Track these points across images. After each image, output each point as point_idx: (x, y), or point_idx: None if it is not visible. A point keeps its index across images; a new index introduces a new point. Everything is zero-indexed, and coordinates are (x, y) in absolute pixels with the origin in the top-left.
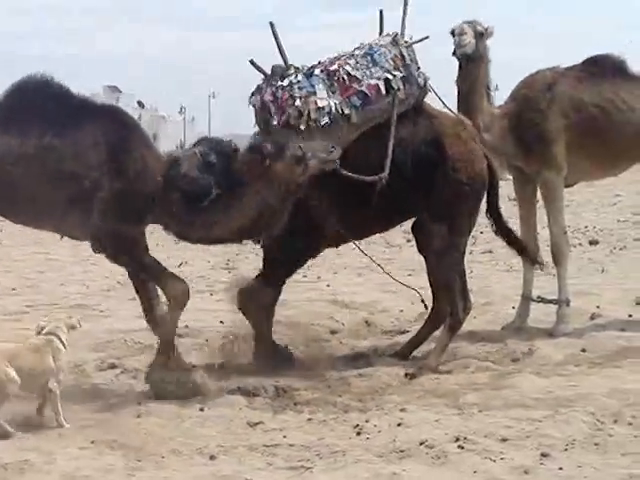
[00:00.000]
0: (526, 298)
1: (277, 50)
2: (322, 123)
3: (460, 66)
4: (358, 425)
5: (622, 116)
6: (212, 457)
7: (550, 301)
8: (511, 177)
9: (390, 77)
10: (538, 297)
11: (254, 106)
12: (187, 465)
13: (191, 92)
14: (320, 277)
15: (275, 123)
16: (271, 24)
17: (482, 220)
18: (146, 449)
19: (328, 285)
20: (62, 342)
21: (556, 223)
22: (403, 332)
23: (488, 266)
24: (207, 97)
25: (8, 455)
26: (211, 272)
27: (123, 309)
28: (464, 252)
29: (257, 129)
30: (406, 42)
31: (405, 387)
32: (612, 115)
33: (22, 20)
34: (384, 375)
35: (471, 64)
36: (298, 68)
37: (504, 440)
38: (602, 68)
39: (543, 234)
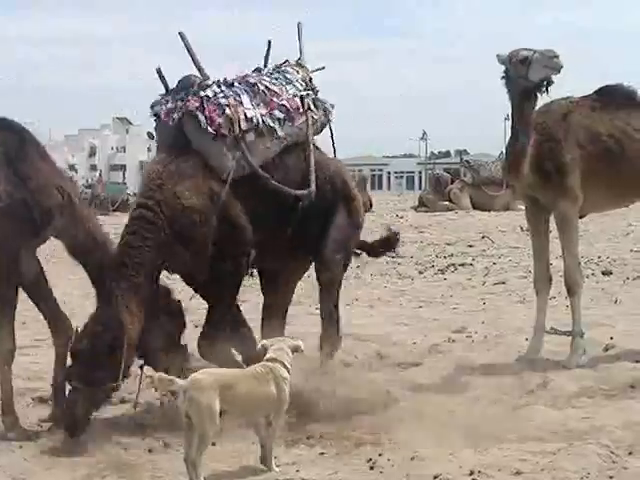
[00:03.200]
0: (539, 330)
1: (191, 61)
2: (250, 137)
3: (521, 97)
4: (371, 459)
5: (636, 146)
6: None
7: (564, 333)
8: (524, 207)
9: (304, 95)
10: (552, 328)
11: (158, 116)
12: None
13: None
14: None
15: (210, 133)
16: (181, 35)
17: (496, 252)
18: None
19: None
20: (287, 368)
21: (570, 254)
22: (416, 364)
23: (501, 297)
24: None
25: None
26: None
27: None
28: None
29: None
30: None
31: (419, 421)
32: (625, 145)
33: (35, 50)
34: (397, 409)
35: (535, 92)
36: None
37: (518, 473)
38: (614, 98)
39: (557, 265)
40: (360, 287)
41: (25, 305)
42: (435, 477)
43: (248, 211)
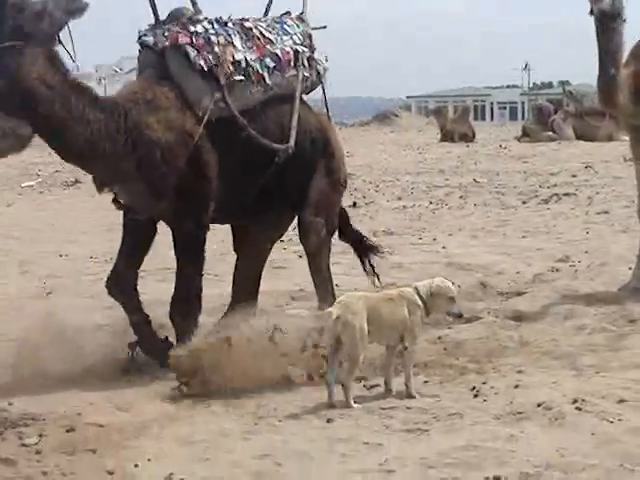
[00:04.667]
0: None
1: None
2: (237, 77)
3: (599, 25)
4: (475, 387)
5: None
6: (329, 420)
7: None
8: (627, 138)
9: (300, 50)
10: None
11: (142, 45)
12: (305, 428)
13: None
14: (436, 239)
15: (197, 70)
16: None
17: (599, 181)
18: (262, 413)
19: (444, 247)
20: (421, 297)
21: None
22: (519, 294)
23: (604, 226)
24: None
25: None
26: None
27: None
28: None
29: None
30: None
31: (522, 349)
32: None
33: None
34: (501, 337)
35: (611, 22)
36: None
37: (622, 401)
38: None
39: None
40: (464, 217)
41: None
42: (539, 405)
43: (220, 158)
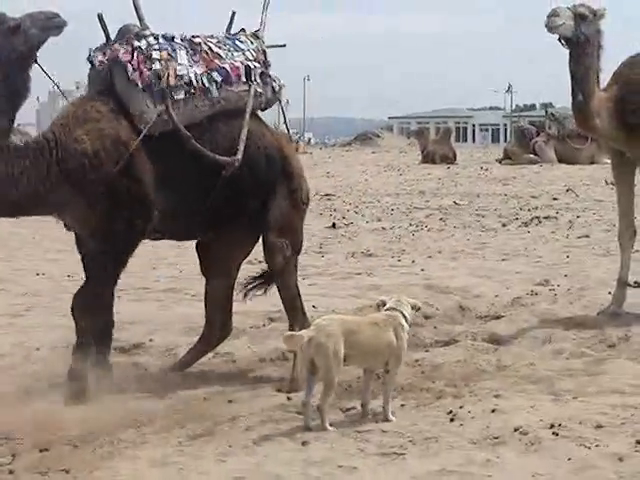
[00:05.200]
0: (623, 283)
1: (134, 8)
2: (179, 94)
3: (570, 50)
4: (452, 411)
5: None
6: (304, 443)
7: None
8: (609, 161)
9: (252, 66)
10: (635, 282)
11: (92, 63)
12: (279, 450)
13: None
14: (415, 261)
15: (137, 85)
16: None
17: (580, 205)
18: (236, 435)
19: (422, 269)
20: (405, 319)
21: None
22: (498, 317)
23: (585, 250)
24: (302, 80)
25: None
26: (304, 257)
27: None
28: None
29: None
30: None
31: (499, 373)
32: None
33: None
34: (479, 361)
35: (577, 48)
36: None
37: (599, 427)
38: None
39: None
40: (443, 239)
41: None
42: (516, 429)
43: (163, 170)
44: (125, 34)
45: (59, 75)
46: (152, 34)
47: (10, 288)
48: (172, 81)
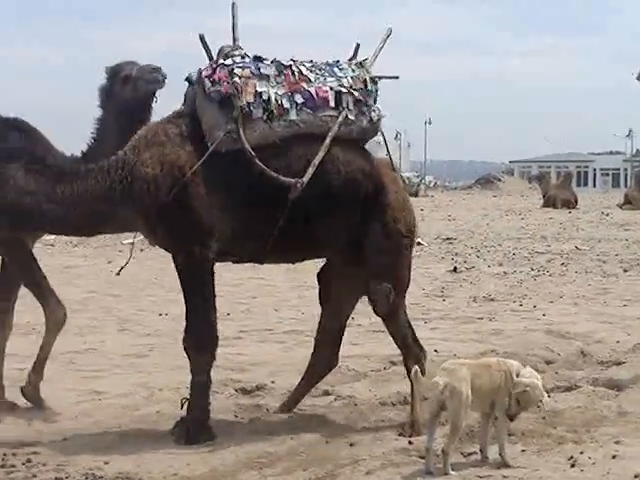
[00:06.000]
0: None
1: (231, 29)
2: (255, 112)
3: None
4: (572, 457)
5: None
6: None
7: None
8: None
9: (344, 91)
10: None
11: (188, 81)
12: None
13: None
14: (536, 306)
15: (212, 99)
16: (233, 4)
17: None
18: (357, 479)
19: (544, 314)
20: (516, 374)
21: None
22: (618, 363)
23: None
24: (423, 123)
25: None
26: (426, 300)
27: None
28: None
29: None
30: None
31: (620, 419)
32: None
33: None
34: (599, 407)
35: None
36: (246, 53)
37: None
38: None
39: None
40: (564, 284)
41: (228, 297)
42: (636, 476)
43: (228, 190)
44: (221, 53)
45: None
46: (241, 54)
47: (133, 328)
48: (250, 98)
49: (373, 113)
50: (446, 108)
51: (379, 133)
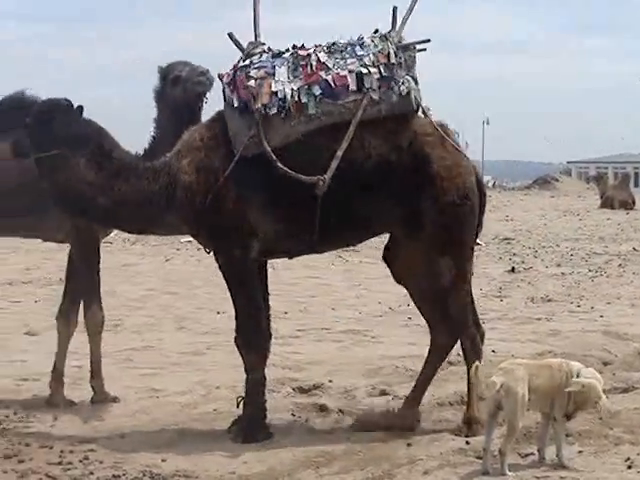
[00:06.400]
0: None
1: (252, 24)
2: (273, 112)
3: None
4: (629, 458)
5: None
6: None
7: None
8: None
9: (364, 72)
10: None
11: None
12: None
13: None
14: (593, 307)
15: (233, 106)
16: None
17: None
18: (415, 479)
19: (601, 316)
20: (576, 375)
21: None
22: None
23: None
24: (481, 123)
25: None
26: (483, 300)
27: (394, 335)
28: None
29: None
30: (400, 42)
31: None
32: None
33: None
34: None
35: None
36: (268, 48)
37: None
38: None
39: None
40: (622, 285)
41: (286, 296)
42: None
43: (264, 192)
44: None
45: None
46: (260, 51)
47: (191, 326)
48: (266, 99)
49: (402, 86)
50: (505, 107)
51: (413, 104)
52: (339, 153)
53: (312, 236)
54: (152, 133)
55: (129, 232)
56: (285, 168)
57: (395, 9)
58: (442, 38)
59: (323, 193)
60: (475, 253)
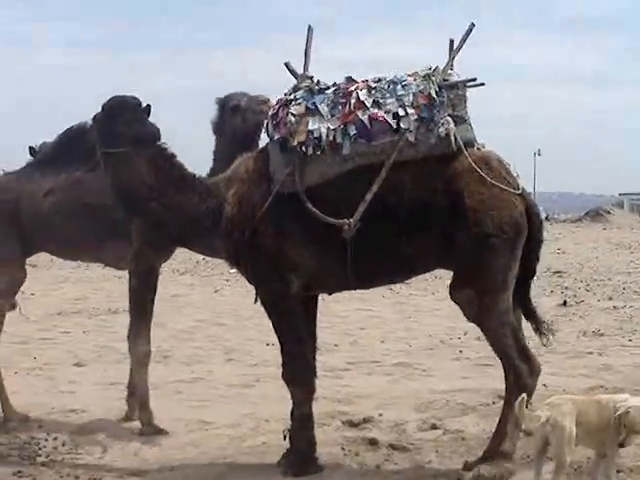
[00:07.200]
0: None
1: (304, 56)
2: (309, 152)
3: None
4: None
5: None
6: None
7: None
8: None
9: (402, 113)
10: None
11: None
12: None
13: (516, 149)
14: None
15: (274, 141)
16: (309, 28)
17: None
18: None
19: None
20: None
21: None
22: None
23: None
24: (532, 154)
25: None
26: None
27: (445, 369)
28: (509, 309)
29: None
30: (446, 80)
31: None
32: None
33: None
34: None
35: None
36: (315, 83)
37: None
38: None
39: None
40: None
41: (336, 328)
42: None
43: (301, 230)
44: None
45: None
46: (306, 86)
47: (240, 358)
48: (302, 137)
49: (442, 128)
50: (557, 139)
51: (453, 145)
52: (368, 197)
53: (346, 274)
54: (211, 165)
55: (171, 243)
56: (314, 209)
57: (452, 42)
58: (507, 68)
59: (354, 233)
60: None
